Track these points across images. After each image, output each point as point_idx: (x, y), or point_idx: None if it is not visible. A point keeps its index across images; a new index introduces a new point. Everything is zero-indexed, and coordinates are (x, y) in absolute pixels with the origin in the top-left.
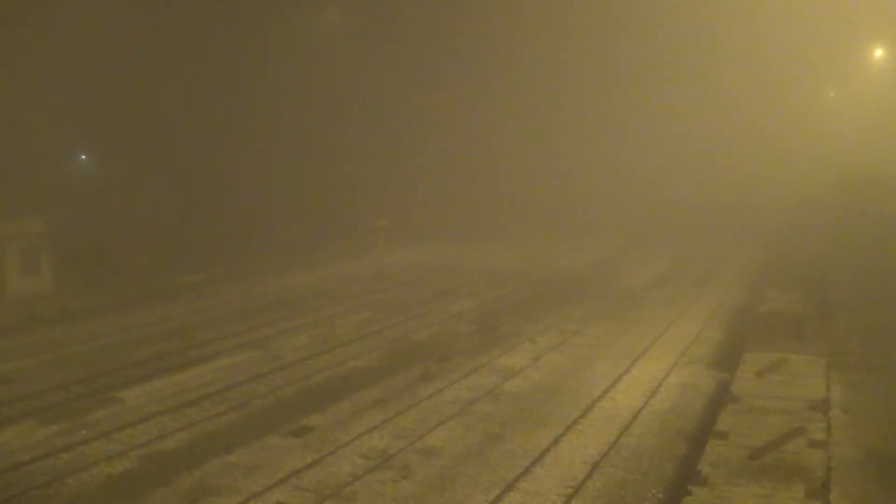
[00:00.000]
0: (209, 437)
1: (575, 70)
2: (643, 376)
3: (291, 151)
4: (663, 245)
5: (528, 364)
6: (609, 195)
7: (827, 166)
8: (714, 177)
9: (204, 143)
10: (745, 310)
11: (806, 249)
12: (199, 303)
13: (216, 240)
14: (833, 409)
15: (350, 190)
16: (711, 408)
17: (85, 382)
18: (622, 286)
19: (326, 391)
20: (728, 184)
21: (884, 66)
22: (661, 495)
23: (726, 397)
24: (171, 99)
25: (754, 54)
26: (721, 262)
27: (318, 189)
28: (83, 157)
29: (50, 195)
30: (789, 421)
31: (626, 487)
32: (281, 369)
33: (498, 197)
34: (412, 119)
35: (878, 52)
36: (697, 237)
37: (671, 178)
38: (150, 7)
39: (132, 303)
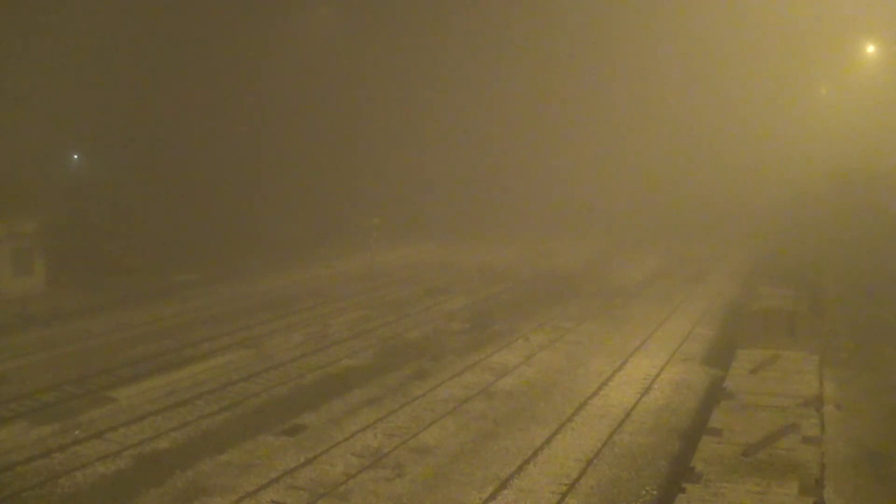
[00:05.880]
0: (203, 436)
1: (571, 68)
2: (636, 373)
3: (284, 151)
4: (657, 243)
5: (522, 362)
6: (604, 193)
7: (820, 162)
8: (708, 174)
9: (197, 143)
10: (737, 307)
11: (799, 246)
12: (192, 302)
13: (209, 239)
14: (826, 406)
15: (343, 188)
16: (705, 404)
17: (78, 382)
18: (616, 284)
19: (320, 390)
20: (722, 181)
21: (876, 62)
22: (654, 492)
23: (720, 394)
24: (164, 98)
25: (747, 50)
26: (714, 259)
27: (311, 188)
28: (76, 156)
29: (42, 195)
30: (783, 417)
31: (620, 485)
32: (274, 368)
33: (492, 194)
34: (406, 117)
35: (870, 49)
36: (690, 234)
37: (665, 176)
38: (146, 7)
39: (125, 302)
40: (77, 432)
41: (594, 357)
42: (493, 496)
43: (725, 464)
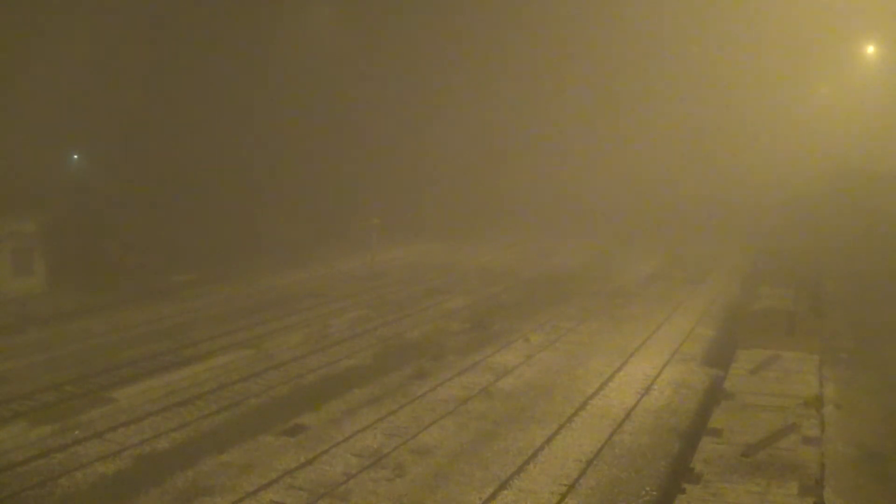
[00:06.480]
0: (203, 436)
1: (571, 68)
2: (637, 374)
3: (284, 150)
4: (656, 243)
5: (522, 362)
6: (602, 193)
7: (820, 163)
8: (707, 174)
9: (197, 142)
10: (738, 307)
11: (799, 246)
12: (192, 302)
13: (209, 239)
14: (826, 406)
15: (343, 188)
16: (705, 405)
17: (78, 382)
18: (615, 284)
19: (320, 390)
20: (721, 181)
21: (876, 62)
22: (654, 492)
23: (720, 394)
24: (165, 98)
25: (747, 50)
26: (714, 260)
27: (311, 187)
28: (75, 156)
29: (43, 195)
30: (783, 418)
31: (620, 485)
32: (274, 368)
33: (492, 195)
34: (406, 117)
35: (871, 49)
36: (690, 235)
37: (664, 176)
38: (147, 7)
39: (125, 302)
40: (77, 432)
41: (594, 357)
42: (493, 496)
43: (725, 464)
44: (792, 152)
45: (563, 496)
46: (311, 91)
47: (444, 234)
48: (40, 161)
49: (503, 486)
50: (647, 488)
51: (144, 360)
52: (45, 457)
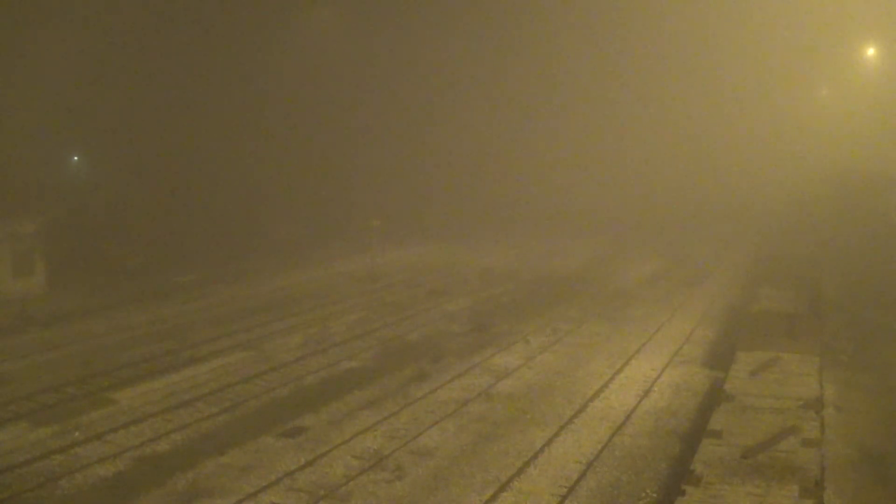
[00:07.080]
0: (203, 438)
1: (571, 70)
2: (637, 375)
3: (285, 151)
4: (656, 245)
5: (522, 364)
6: (602, 195)
7: (820, 165)
8: (707, 177)
9: (197, 143)
10: (737, 309)
11: (798, 248)
12: (192, 303)
13: (209, 240)
14: (826, 408)
15: (344, 190)
16: (705, 407)
17: (78, 383)
18: (615, 285)
19: (320, 392)
20: (721, 184)
21: (876, 63)
22: (654, 494)
23: (720, 396)
24: (164, 98)
25: (747, 52)
26: (713, 262)
27: (312, 189)
28: (75, 157)
29: (43, 196)
30: (783, 420)
31: (620, 487)
32: (274, 370)
33: (492, 197)
34: (407, 119)
35: (871, 51)
36: (690, 237)
37: (664, 178)
38: (146, 7)
39: (125, 303)
40: (77, 434)
41: (594, 359)
42: (493, 498)
43: (725, 466)
44: (792, 154)
45: (563, 498)
46: (313, 92)
47: (445, 236)
48: (40, 161)
49: (503, 487)
50: (647, 490)
51: (145, 361)
52: (46, 458)
